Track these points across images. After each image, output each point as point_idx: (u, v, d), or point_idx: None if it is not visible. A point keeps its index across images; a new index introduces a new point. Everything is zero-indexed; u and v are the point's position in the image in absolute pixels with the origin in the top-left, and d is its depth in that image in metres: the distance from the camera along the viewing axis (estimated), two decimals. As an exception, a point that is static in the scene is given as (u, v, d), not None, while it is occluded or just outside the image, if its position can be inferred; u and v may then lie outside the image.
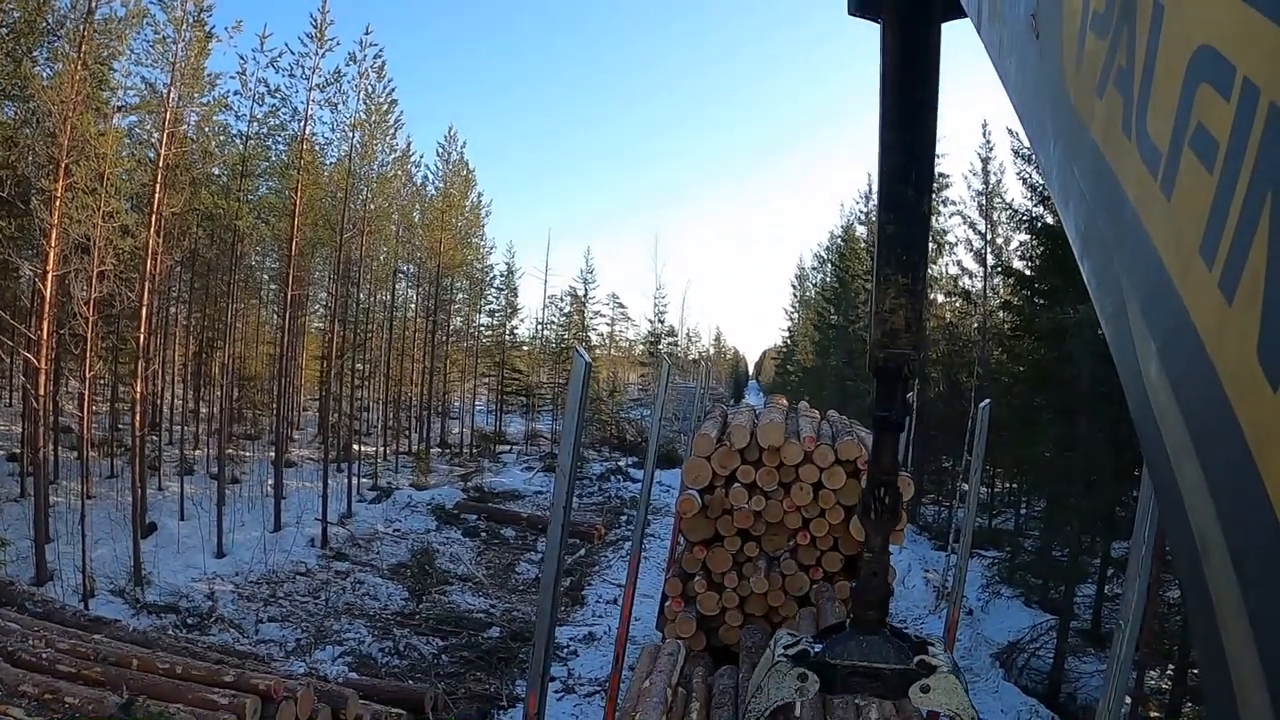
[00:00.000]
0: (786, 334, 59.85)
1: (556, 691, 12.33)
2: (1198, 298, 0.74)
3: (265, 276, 34.22)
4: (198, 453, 25.98)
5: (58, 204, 15.87)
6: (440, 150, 36.81)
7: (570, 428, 4.24)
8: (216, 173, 24.30)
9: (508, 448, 38.20)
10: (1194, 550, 0.73)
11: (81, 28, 18.11)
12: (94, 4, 18.23)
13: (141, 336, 18.78)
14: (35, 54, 20.16)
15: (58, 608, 12.34)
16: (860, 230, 33.39)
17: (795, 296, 56.33)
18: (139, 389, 18.83)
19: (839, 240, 37.52)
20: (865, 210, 32.07)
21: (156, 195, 18.59)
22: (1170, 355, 0.81)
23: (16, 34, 19.82)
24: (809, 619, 8.58)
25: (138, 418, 18.93)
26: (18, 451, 21.79)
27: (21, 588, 13.43)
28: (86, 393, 17.12)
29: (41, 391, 16.22)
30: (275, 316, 34.92)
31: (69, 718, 7.54)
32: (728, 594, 9.25)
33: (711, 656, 9.08)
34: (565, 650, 14.02)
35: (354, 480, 24.58)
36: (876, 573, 2.11)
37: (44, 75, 18.76)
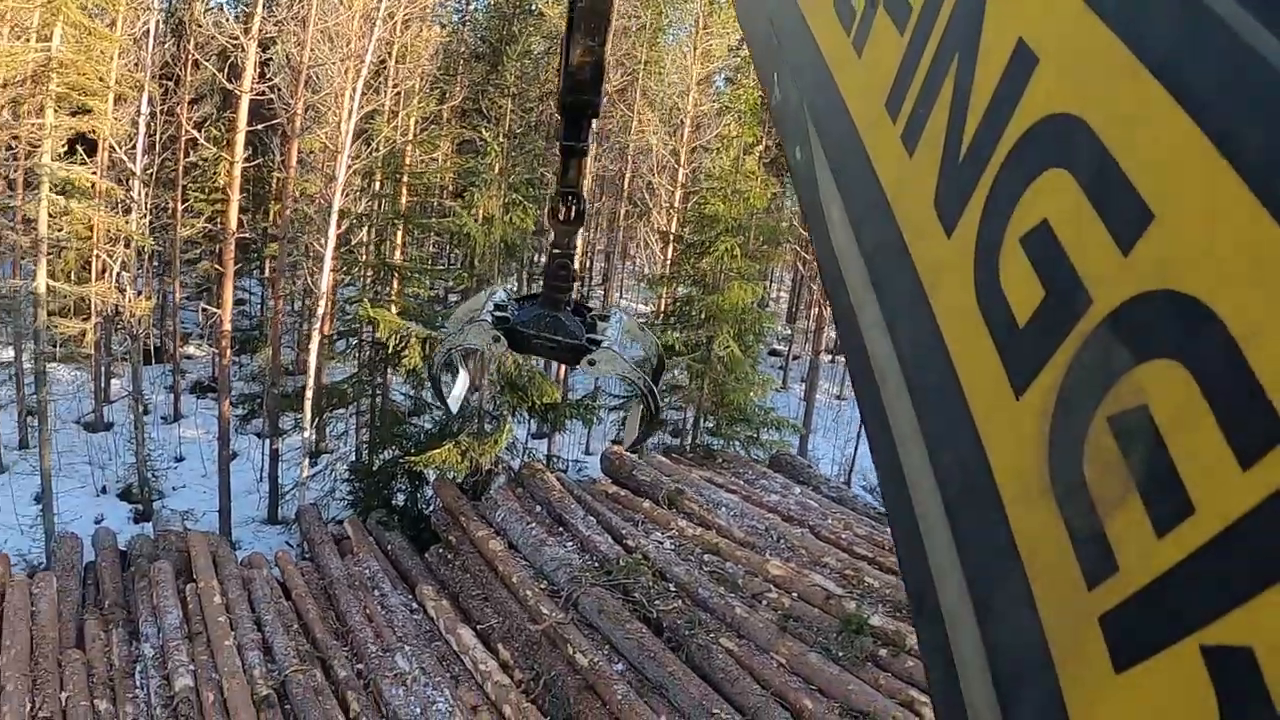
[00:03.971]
0: None
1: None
2: (881, 148, 0.78)
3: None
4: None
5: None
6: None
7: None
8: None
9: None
10: (873, 381, 0.76)
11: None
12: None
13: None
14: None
15: (850, 495, 13.98)
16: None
17: None
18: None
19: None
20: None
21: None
22: (853, 200, 0.85)
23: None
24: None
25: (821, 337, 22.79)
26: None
27: (818, 472, 15.50)
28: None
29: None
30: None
31: (866, 595, 8.72)
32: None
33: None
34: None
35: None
36: (565, 266, 2.35)
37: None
